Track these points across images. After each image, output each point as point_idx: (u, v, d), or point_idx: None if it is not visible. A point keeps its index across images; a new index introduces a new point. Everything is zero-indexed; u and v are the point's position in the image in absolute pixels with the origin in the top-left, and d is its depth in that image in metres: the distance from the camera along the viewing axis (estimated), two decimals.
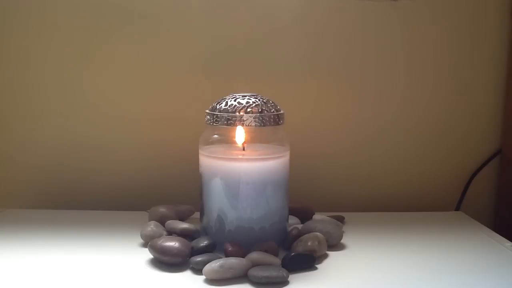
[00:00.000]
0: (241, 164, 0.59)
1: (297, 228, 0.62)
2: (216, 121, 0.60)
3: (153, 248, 0.57)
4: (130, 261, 0.58)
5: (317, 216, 0.69)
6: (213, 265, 0.53)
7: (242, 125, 0.59)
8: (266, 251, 0.57)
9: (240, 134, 0.61)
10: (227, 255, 0.56)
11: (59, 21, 0.77)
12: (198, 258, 0.55)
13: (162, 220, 0.64)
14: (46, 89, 0.78)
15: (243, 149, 0.61)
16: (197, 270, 0.54)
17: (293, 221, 0.67)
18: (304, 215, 0.69)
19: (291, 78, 0.79)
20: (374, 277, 0.55)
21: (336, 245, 0.63)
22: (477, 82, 0.80)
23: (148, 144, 0.79)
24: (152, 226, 0.62)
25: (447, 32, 0.79)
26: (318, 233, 0.60)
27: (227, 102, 0.60)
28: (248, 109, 0.59)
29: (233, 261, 0.54)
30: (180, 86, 0.78)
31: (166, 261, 0.56)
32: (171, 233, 0.62)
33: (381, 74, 0.79)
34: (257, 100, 0.60)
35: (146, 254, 0.58)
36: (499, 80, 0.80)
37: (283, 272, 0.53)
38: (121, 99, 0.79)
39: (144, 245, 0.61)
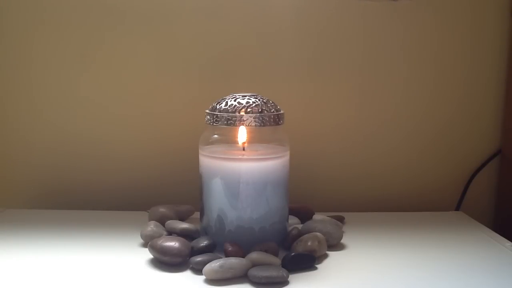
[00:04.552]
0: (241, 164, 0.59)
1: (297, 228, 0.62)
2: (216, 121, 0.60)
3: (153, 248, 0.57)
4: (130, 261, 0.58)
5: (317, 216, 0.69)
6: (213, 265, 0.53)
7: (242, 125, 0.59)
8: (266, 251, 0.57)
9: (242, 134, 0.61)
10: (227, 255, 0.56)
11: (58, 22, 0.77)
12: (198, 258, 0.55)
13: (162, 220, 0.64)
14: (45, 89, 0.78)
15: (243, 149, 0.61)
16: (197, 270, 0.54)
17: (293, 221, 0.67)
18: (304, 215, 0.69)
19: (291, 78, 0.79)
20: (374, 277, 0.55)
21: (336, 245, 0.63)
22: (477, 83, 0.80)
23: (148, 144, 0.79)
24: (152, 226, 0.62)
25: (447, 32, 0.79)
26: (318, 233, 0.60)
27: (227, 102, 0.60)
28: (248, 109, 0.59)
29: (233, 261, 0.54)
30: (180, 86, 0.78)
31: (166, 261, 0.56)
32: (171, 233, 0.62)
33: (381, 74, 0.79)
34: (257, 100, 0.60)
35: (146, 254, 0.58)
36: (499, 81, 0.80)
37: (283, 272, 0.53)
38: (120, 99, 0.78)
39: (144, 245, 0.61)
